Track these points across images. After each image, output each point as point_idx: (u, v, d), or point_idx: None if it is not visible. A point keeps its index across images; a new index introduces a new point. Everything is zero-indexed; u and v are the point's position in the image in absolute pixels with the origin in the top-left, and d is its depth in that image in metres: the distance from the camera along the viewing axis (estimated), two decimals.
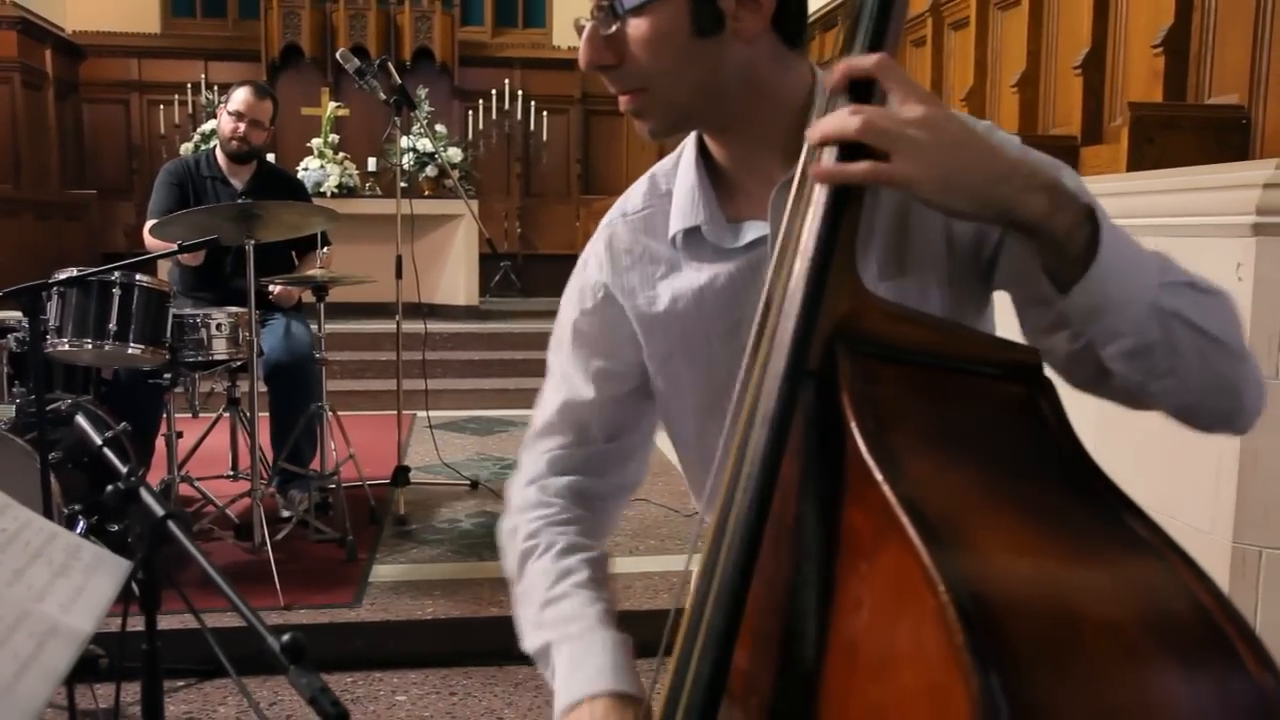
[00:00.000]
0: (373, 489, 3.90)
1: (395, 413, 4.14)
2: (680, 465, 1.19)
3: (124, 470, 1.41)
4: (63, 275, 2.94)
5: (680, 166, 1.07)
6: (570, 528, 1.14)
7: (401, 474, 3.95)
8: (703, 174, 1.04)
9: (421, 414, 4.94)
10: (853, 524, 0.72)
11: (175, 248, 2.98)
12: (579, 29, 0.96)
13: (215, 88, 8.40)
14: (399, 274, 4.03)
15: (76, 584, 1.18)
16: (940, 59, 5.81)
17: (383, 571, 3.35)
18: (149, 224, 3.70)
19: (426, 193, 7.59)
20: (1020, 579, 0.65)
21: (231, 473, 3.95)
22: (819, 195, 0.80)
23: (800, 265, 0.79)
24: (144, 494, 1.37)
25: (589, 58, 0.95)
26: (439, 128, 8.05)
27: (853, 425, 0.73)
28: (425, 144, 7.44)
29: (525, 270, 9.16)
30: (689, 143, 1.07)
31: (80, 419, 1.49)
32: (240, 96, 3.85)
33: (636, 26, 0.92)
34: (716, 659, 0.77)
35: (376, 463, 4.09)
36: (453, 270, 7.59)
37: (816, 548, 0.76)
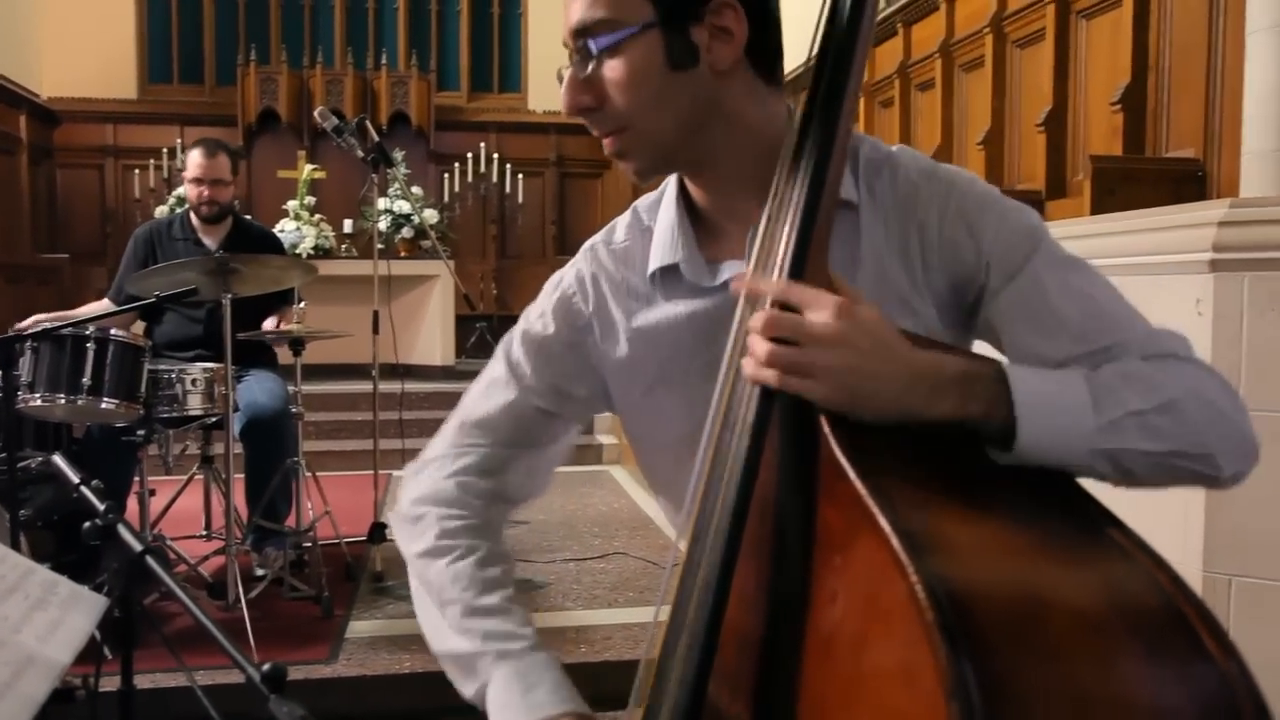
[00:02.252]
0: (349, 546, 3.86)
1: (371, 472, 4.11)
2: (661, 497, 1.18)
3: (102, 508, 1.41)
4: (36, 328, 2.93)
5: (663, 203, 1.09)
6: (487, 539, 1.13)
7: (378, 531, 3.91)
8: (683, 213, 1.05)
9: (397, 473, 4.90)
10: (826, 520, 0.75)
11: (151, 298, 2.97)
12: (561, 79, 0.98)
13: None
14: (376, 330, 4.04)
15: (53, 617, 1.17)
16: (908, 119, 5.96)
17: (359, 627, 3.30)
18: (110, 293, 3.77)
19: (402, 254, 7.64)
20: (986, 566, 0.67)
21: (205, 532, 3.90)
22: (790, 220, 0.83)
23: (776, 278, 0.82)
24: (122, 530, 1.36)
25: (570, 102, 0.97)
26: (415, 189, 8.12)
27: (825, 427, 0.76)
28: (402, 205, 7.50)
29: (501, 331, 9.05)
30: (671, 180, 1.08)
31: (58, 459, 1.49)
32: (194, 160, 3.87)
33: (613, 67, 0.94)
34: (699, 661, 0.78)
35: (352, 520, 4.05)
36: (429, 331, 7.60)
37: (791, 550, 0.78)
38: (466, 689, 1.06)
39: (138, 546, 1.34)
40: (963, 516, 0.72)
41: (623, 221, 1.14)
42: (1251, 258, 2.07)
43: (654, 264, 1.06)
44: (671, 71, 0.94)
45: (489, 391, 1.16)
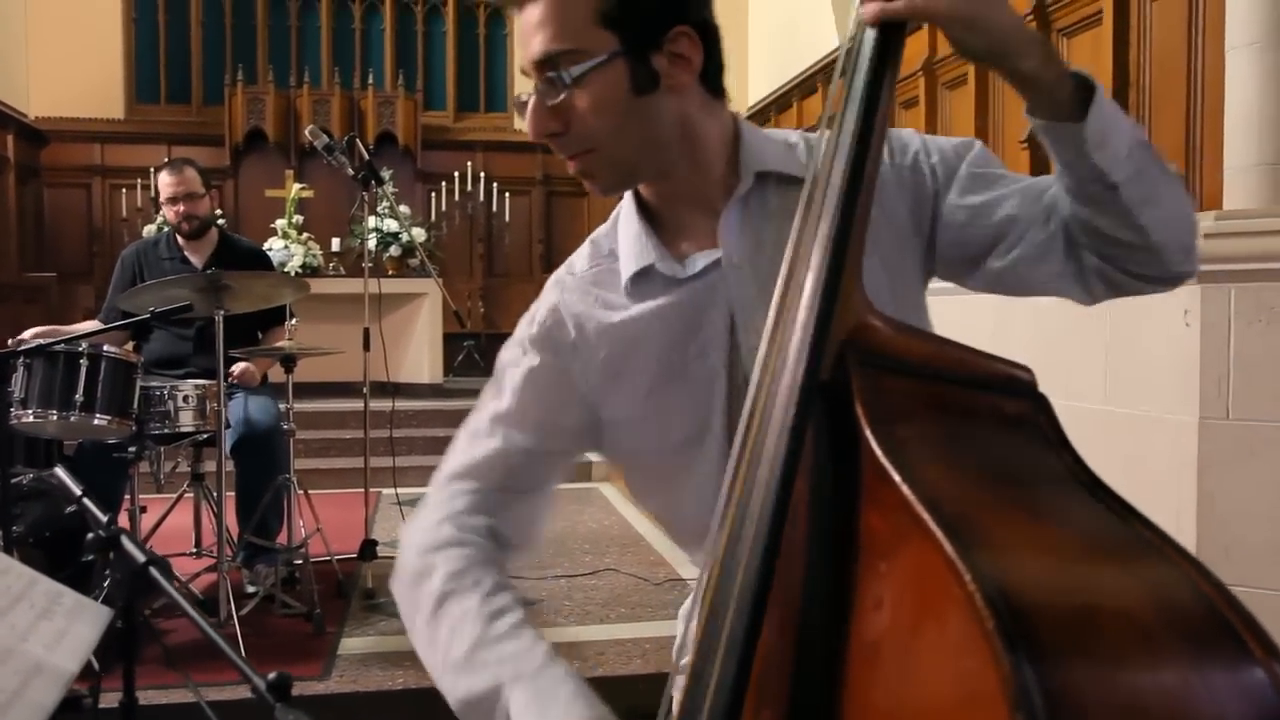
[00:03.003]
0: (340, 564, 3.85)
1: (362, 490, 4.11)
2: (663, 511, 1.18)
3: (104, 519, 1.42)
4: (34, 341, 2.93)
5: (620, 223, 1.13)
6: (494, 568, 1.09)
7: (369, 548, 3.90)
8: (644, 222, 1.10)
9: (387, 491, 4.90)
10: (870, 526, 0.73)
11: (145, 315, 2.97)
12: (520, 106, 1.02)
13: None
14: (366, 346, 4.04)
15: (59, 627, 1.18)
16: None
17: (351, 644, 3.29)
18: (101, 313, 3.77)
19: (390, 272, 7.64)
20: (1037, 571, 0.66)
21: (195, 549, 3.89)
22: (829, 213, 0.84)
23: (812, 278, 0.81)
24: (125, 541, 1.37)
25: (537, 128, 1.01)
26: (403, 208, 8.14)
27: (866, 431, 0.74)
28: (390, 224, 7.52)
29: (488, 349, 9.17)
30: (624, 202, 1.13)
31: (60, 471, 1.49)
32: (163, 181, 3.89)
33: (580, 95, 0.99)
34: (738, 668, 0.76)
35: (343, 538, 4.04)
36: (417, 349, 7.60)
37: (830, 556, 0.76)
38: None
39: (141, 558, 1.34)
40: (1011, 519, 0.71)
41: (581, 254, 1.17)
42: (1237, 269, 2.10)
43: (627, 273, 1.09)
44: (636, 96, 1.00)
45: (473, 441, 1.15)
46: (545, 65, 0.99)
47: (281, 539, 3.75)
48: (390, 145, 9.33)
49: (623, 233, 1.12)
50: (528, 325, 1.16)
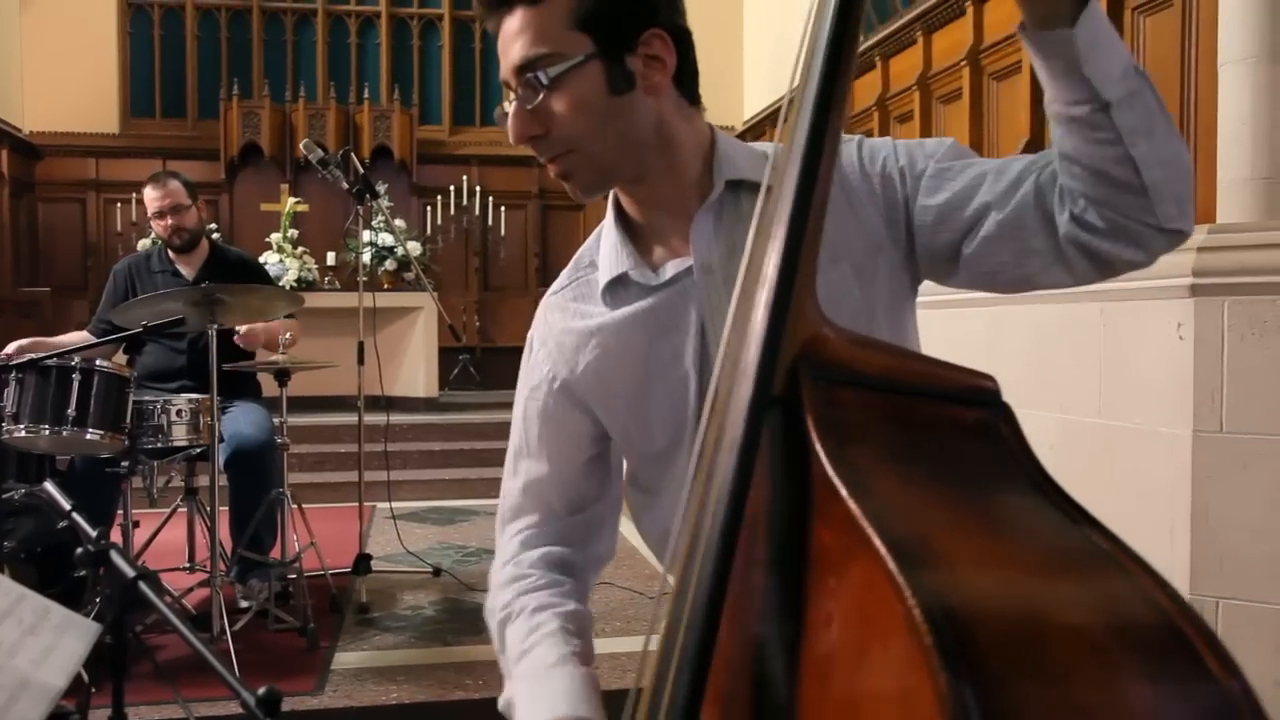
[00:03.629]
0: (334, 578, 3.84)
1: (356, 505, 4.10)
2: (651, 529, 1.20)
3: (94, 534, 1.41)
4: (20, 356, 2.92)
5: (602, 235, 1.17)
6: (544, 591, 1.16)
7: (363, 562, 3.89)
8: (622, 231, 1.14)
9: (382, 505, 4.89)
10: (821, 541, 0.73)
11: (138, 328, 2.97)
12: (501, 117, 1.07)
13: None
14: (361, 360, 4.04)
15: (47, 643, 1.17)
16: None
17: (345, 659, 3.28)
18: (90, 325, 3.76)
19: (385, 286, 7.64)
20: (985, 587, 0.66)
21: (188, 564, 3.87)
22: (780, 226, 0.84)
23: (765, 293, 0.81)
24: (114, 555, 1.36)
25: (519, 131, 1.05)
26: (398, 222, 8.14)
27: (817, 446, 0.74)
28: (385, 238, 7.52)
29: (484, 363, 9.18)
30: (606, 215, 1.17)
31: (49, 485, 1.49)
32: (149, 196, 3.90)
33: (558, 97, 1.02)
34: (692, 684, 0.76)
35: (337, 552, 4.03)
36: (412, 363, 7.59)
37: (785, 572, 0.76)
38: None
39: (131, 573, 1.33)
40: (961, 533, 0.71)
41: (565, 272, 1.23)
42: (1230, 282, 2.10)
43: (603, 280, 1.13)
44: (612, 96, 1.03)
45: (507, 484, 1.23)
46: (524, 70, 1.02)
47: (275, 553, 3.73)
48: (386, 159, 9.34)
49: (603, 244, 1.16)
50: (526, 355, 1.23)
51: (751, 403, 0.78)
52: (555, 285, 1.22)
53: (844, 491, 0.70)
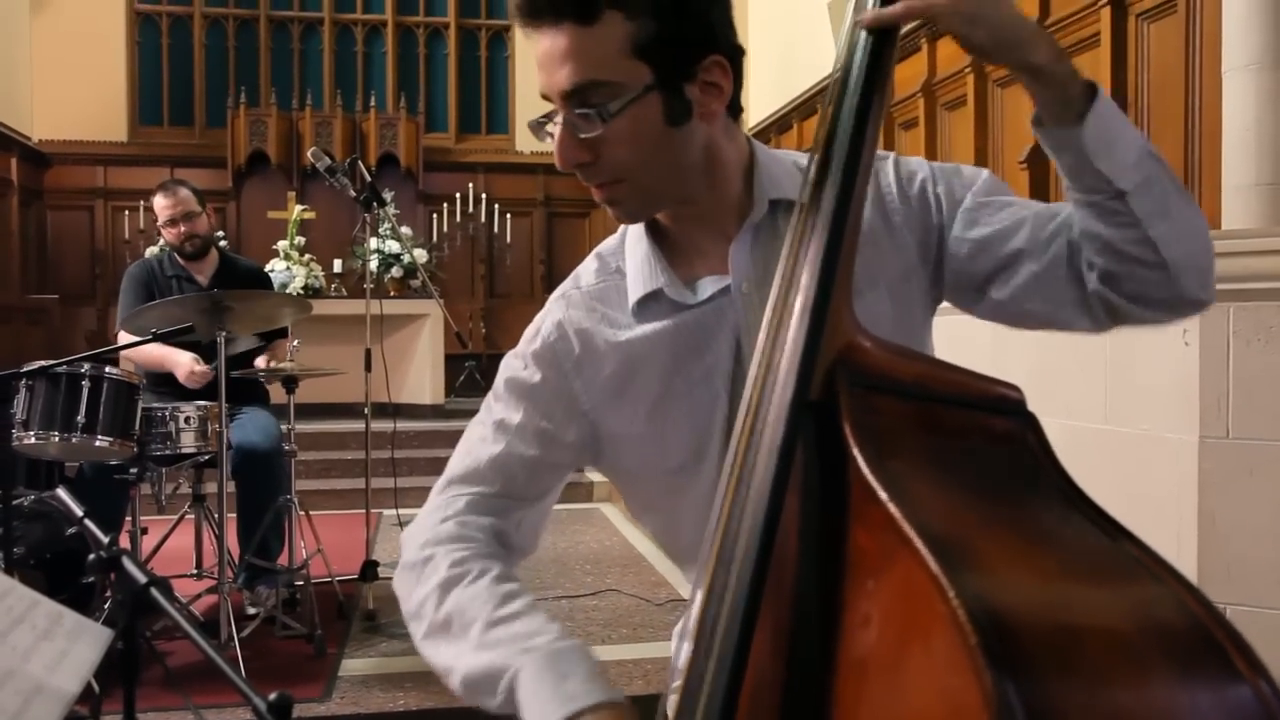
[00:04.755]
0: (341, 585, 3.85)
1: (363, 511, 4.11)
2: (660, 530, 1.18)
3: (105, 540, 1.42)
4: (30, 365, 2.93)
5: (627, 242, 1.13)
6: (498, 562, 1.08)
7: (370, 569, 3.90)
8: (653, 243, 1.10)
9: (388, 512, 4.90)
10: (858, 544, 0.74)
11: (148, 336, 2.98)
12: (537, 129, 1.02)
13: None
14: (368, 367, 4.05)
15: (60, 648, 1.18)
16: None
17: (353, 666, 3.29)
18: (120, 326, 3.72)
19: (392, 293, 7.66)
20: (1023, 589, 0.66)
21: (196, 571, 3.88)
22: (818, 235, 0.85)
23: (801, 300, 0.82)
24: (126, 562, 1.37)
25: (567, 158, 1.00)
26: (405, 230, 8.16)
27: (854, 450, 0.75)
28: (392, 245, 7.54)
29: (490, 370, 9.13)
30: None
31: (61, 492, 1.50)
32: (159, 204, 3.91)
33: (614, 128, 0.97)
34: (728, 687, 0.76)
35: (344, 559, 4.04)
36: (418, 370, 7.60)
37: (820, 575, 0.77)
38: (493, 701, 0.99)
39: (142, 579, 1.34)
40: (997, 537, 0.71)
41: (588, 268, 1.16)
42: (1236, 288, 2.11)
43: (634, 295, 1.09)
44: (669, 128, 0.99)
45: (474, 448, 1.14)
46: (575, 96, 0.97)
47: (283, 560, 3.75)
48: (392, 167, 9.36)
49: (630, 251, 1.12)
50: (531, 338, 1.15)
51: (791, 405, 0.79)
52: (581, 279, 1.15)
53: (883, 495, 0.70)
